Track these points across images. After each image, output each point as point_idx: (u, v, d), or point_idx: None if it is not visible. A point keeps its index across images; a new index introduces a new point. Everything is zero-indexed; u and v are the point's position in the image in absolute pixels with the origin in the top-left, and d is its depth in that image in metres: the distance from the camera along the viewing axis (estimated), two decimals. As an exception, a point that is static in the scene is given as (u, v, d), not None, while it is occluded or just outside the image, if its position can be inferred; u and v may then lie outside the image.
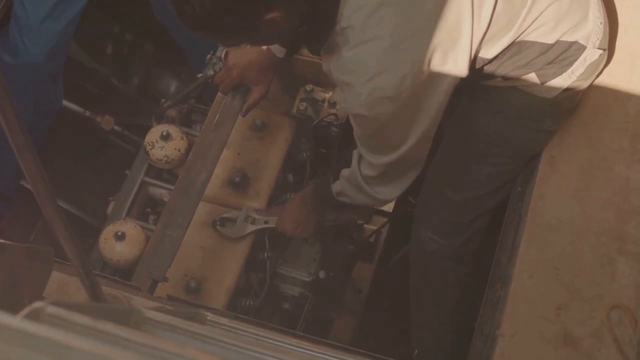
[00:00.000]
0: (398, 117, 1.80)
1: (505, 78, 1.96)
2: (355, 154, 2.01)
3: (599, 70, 2.06)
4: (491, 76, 1.95)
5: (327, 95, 2.46)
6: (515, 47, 1.89)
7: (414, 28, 1.72)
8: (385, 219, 3.12)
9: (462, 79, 1.83)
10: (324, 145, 2.55)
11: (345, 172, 2.08)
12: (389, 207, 3.23)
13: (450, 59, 1.78)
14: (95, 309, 0.93)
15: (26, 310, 0.76)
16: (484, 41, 1.83)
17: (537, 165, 2.06)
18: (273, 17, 1.68)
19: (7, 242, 1.36)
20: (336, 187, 2.13)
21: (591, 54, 1.96)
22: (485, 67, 1.91)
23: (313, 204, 2.26)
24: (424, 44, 1.73)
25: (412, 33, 1.72)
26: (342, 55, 1.74)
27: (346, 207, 2.23)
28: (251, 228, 2.28)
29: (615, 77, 2.13)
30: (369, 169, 1.98)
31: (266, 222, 2.29)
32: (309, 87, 2.47)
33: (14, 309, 0.82)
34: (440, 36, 1.74)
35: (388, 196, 2.05)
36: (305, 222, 2.32)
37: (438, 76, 1.78)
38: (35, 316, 0.76)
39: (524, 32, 1.87)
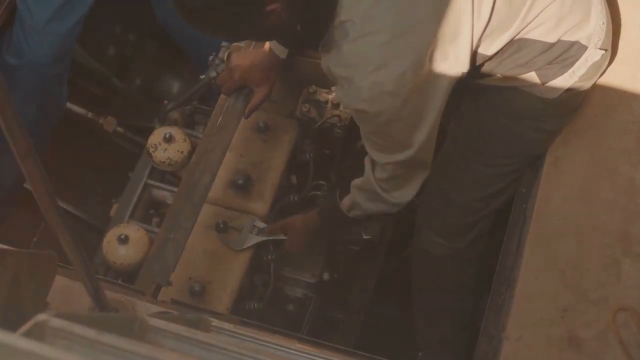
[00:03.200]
0: (401, 115, 1.79)
1: (506, 77, 1.95)
2: (367, 160, 2.01)
3: (601, 71, 2.05)
4: (492, 74, 1.94)
5: (331, 97, 2.45)
6: (516, 45, 1.89)
7: (415, 22, 1.71)
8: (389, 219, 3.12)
9: (463, 75, 1.82)
10: (327, 146, 2.54)
11: (356, 181, 2.08)
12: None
13: (451, 54, 1.77)
14: (99, 320, 0.93)
15: (29, 325, 0.75)
16: (484, 36, 1.82)
17: (542, 166, 2.05)
18: (273, 8, 1.68)
19: (9, 248, 1.36)
20: (347, 201, 2.13)
21: (593, 55, 1.95)
22: (486, 64, 1.90)
23: (319, 228, 2.26)
24: (425, 38, 1.72)
25: (413, 26, 1.71)
26: (342, 49, 1.73)
27: (355, 222, 2.22)
28: (254, 240, 2.26)
29: (620, 76, 2.12)
30: (380, 171, 1.97)
31: (269, 236, 2.28)
32: (312, 89, 2.46)
33: (17, 318, 0.81)
34: (441, 30, 1.73)
35: (402, 199, 2.05)
36: (314, 244, 2.35)
37: (439, 72, 1.77)
38: (38, 330, 0.76)
39: (524, 29, 1.86)
